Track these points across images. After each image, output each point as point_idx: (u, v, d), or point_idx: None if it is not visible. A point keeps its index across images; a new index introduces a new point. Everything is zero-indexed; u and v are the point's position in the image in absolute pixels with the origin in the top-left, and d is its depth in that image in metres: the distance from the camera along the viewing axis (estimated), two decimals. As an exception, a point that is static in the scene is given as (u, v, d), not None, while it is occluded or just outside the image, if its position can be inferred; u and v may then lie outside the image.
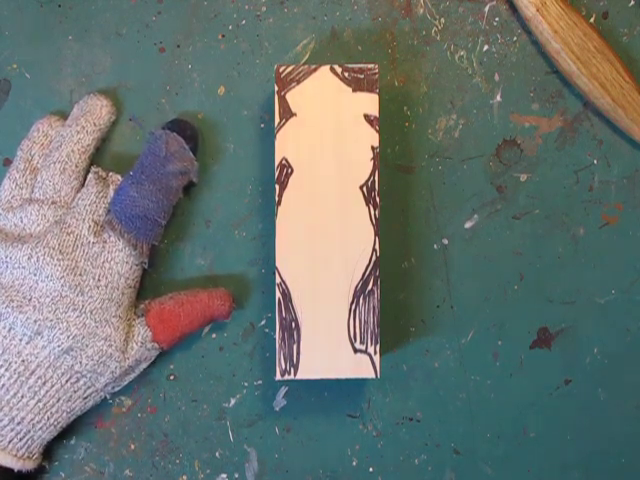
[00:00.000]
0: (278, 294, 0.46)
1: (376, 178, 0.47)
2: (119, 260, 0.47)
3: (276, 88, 0.47)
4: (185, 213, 0.52)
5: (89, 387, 0.47)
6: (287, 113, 0.47)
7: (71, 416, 0.47)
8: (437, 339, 0.52)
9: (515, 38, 0.52)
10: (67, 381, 0.46)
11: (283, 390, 0.52)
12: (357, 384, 0.52)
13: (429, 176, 0.52)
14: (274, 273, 0.47)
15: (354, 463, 0.52)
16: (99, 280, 0.46)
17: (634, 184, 0.53)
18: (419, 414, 0.52)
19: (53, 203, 0.48)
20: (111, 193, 0.48)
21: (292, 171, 0.47)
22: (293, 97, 0.47)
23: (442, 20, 0.52)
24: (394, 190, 0.52)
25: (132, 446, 0.52)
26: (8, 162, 0.51)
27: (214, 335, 0.52)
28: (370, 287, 0.47)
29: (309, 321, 0.46)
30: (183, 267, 0.52)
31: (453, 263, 0.52)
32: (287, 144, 0.47)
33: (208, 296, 0.49)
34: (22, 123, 0.51)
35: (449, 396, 0.52)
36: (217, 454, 0.52)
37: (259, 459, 0.52)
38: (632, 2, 0.52)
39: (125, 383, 0.49)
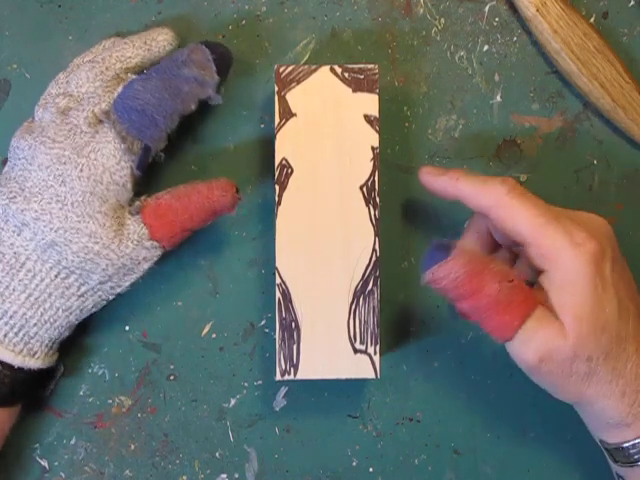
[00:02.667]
0: (278, 294, 0.46)
1: (376, 178, 0.47)
2: (106, 152, 0.45)
3: (276, 88, 0.47)
4: (185, 213, 0.52)
5: (82, 284, 0.46)
6: (287, 113, 0.47)
7: (69, 315, 0.46)
8: (437, 339, 0.52)
9: (515, 38, 0.52)
10: (56, 276, 0.45)
11: (283, 390, 0.52)
12: (357, 384, 0.52)
13: (429, 176, 0.52)
14: (274, 273, 0.47)
15: (354, 463, 0.52)
16: (81, 171, 0.45)
17: (634, 184, 0.53)
18: (419, 414, 0.52)
19: (70, 95, 0.47)
20: (120, 90, 0.46)
21: (292, 171, 0.47)
22: (293, 97, 0.47)
23: (442, 20, 0.52)
24: (394, 190, 0.52)
25: (132, 446, 0.52)
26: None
27: (214, 335, 0.52)
28: (370, 287, 0.47)
29: (309, 321, 0.46)
30: (183, 267, 0.52)
31: (453, 263, 0.52)
32: (287, 144, 0.47)
33: (207, 187, 0.46)
34: (22, 123, 0.51)
35: (449, 396, 0.52)
36: (217, 454, 0.52)
37: (259, 459, 0.52)
38: (632, 2, 0.52)
39: (127, 284, 0.47)
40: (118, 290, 0.47)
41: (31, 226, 0.45)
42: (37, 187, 0.45)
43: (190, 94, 0.46)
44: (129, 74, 0.47)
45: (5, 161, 0.52)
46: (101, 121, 0.46)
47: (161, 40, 0.48)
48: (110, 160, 0.45)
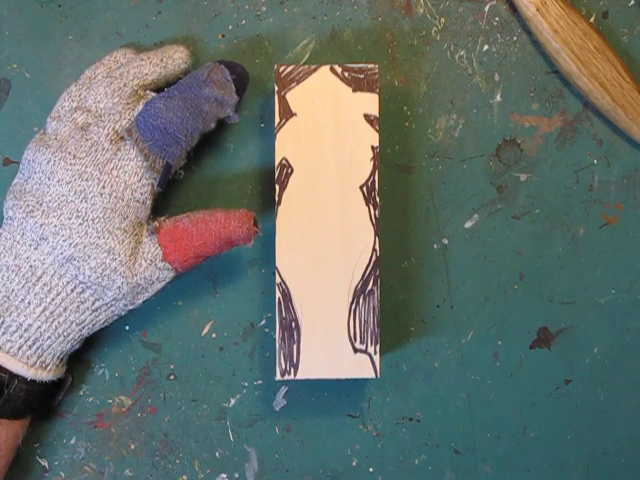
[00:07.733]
0: (278, 294, 0.47)
1: (376, 178, 0.47)
2: (128, 170, 0.46)
3: (276, 88, 0.47)
4: (185, 213, 0.52)
5: (97, 300, 0.46)
6: (287, 113, 0.47)
7: (82, 329, 0.47)
8: (437, 339, 0.52)
9: (515, 38, 0.52)
10: (72, 291, 0.45)
11: (283, 390, 0.52)
12: (357, 384, 0.52)
13: (429, 176, 0.52)
14: (274, 273, 0.47)
15: (354, 463, 0.52)
16: (103, 187, 0.45)
17: (634, 184, 0.53)
18: (419, 414, 0.52)
19: (88, 111, 0.47)
20: (140, 107, 0.47)
21: (292, 171, 0.47)
22: (293, 97, 0.47)
23: (442, 20, 0.52)
24: (394, 190, 0.52)
25: (132, 446, 0.52)
26: (8, 162, 0.51)
27: (214, 335, 0.52)
28: (370, 287, 0.47)
29: (309, 321, 0.46)
30: (183, 267, 0.52)
31: (453, 263, 0.52)
32: (287, 144, 0.47)
33: (225, 216, 0.46)
34: (22, 123, 0.51)
35: (449, 396, 0.52)
36: (217, 454, 0.52)
37: (259, 459, 0.52)
38: (632, 2, 0.52)
39: (140, 302, 0.47)
40: (131, 307, 0.47)
41: (49, 240, 0.45)
42: (56, 202, 0.45)
43: (210, 113, 0.47)
44: (146, 91, 0.48)
45: (6, 161, 0.52)
46: (122, 138, 0.46)
47: (177, 58, 0.49)
48: (132, 177, 0.46)
